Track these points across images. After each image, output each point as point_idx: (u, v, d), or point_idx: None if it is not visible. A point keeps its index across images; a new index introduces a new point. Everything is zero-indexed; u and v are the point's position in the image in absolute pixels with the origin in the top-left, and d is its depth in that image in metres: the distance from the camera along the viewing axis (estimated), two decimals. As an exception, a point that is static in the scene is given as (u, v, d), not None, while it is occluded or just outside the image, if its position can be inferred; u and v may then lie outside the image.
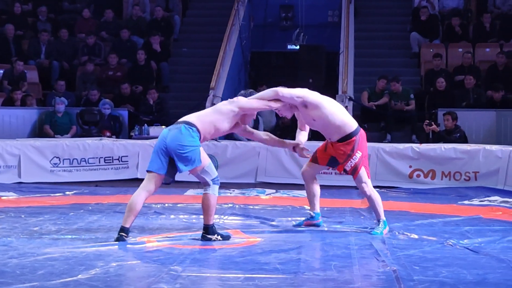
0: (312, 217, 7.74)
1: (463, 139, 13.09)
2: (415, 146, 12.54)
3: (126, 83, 15.84)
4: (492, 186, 11.82)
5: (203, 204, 7.00)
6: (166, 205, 9.43)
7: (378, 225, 7.55)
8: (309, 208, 7.96)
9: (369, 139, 11.29)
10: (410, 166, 12.37)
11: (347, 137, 7.38)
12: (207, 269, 5.75)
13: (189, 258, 6.14)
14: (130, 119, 15.08)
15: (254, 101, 7.28)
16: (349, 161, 7.38)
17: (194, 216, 8.66)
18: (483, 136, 14.01)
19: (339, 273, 5.63)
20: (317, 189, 7.73)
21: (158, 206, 9.26)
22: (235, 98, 7.29)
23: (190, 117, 7.12)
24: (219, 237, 6.99)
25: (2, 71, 16.26)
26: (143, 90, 15.85)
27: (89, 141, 13.12)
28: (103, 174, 12.87)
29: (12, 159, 12.62)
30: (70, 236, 7.15)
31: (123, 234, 6.89)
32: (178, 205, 9.60)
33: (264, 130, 14.30)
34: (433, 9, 17.65)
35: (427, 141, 13.16)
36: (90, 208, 9.28)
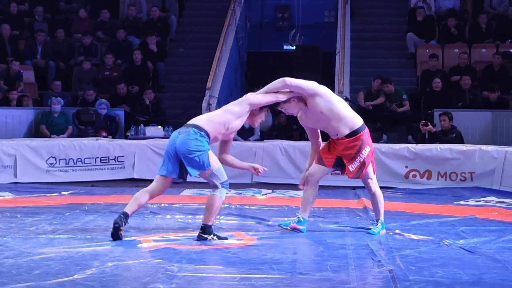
0: (300, 221, 7.53)
1: (459, 140, 13.11)
2: (411, 146, 12.55)
3: (122, 83, 15.84)
4: (488, 186, 11.83)
5: (207, 204, 7.03)
6: (162, 205, 9.43)
7: (376, 225, 7.55)
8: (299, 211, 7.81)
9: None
10: (406, 167, 12.38)
11: (355, 132, 7.33)
12: (203, 269, 5.74)
13: (185, 258, 6.14)
14: (126, 119, 15.08)
15: (261, 96, 7.28)
16: (358, 157, 7.33)
17: (190, 216, 8.67)
18: (479, 136, 14.03)
19: (335, 273, 5.63)
20: (315, 195, 7.58)
21: (154, 206, 9.26)
22: (243, 97, 7.30)
23: (200, 120, 7.16)
24: (215, 238, 6.99)
25: (-2, 71, 16.27)
26: (140, 90, 15.85)
27: (85, 141, 13.12)
28: (99, 174, 12.87)
29: (8, 159, 12.61)
30: (66, 236, 7.14)
31: (122, 216, 6.92)
32: (174, 205, 9.60)
33: (261, 131, 14.41)
34: (429, 10, 17.66)
35: (423, 141, 13.18)
36: (86, 208, 9.27)
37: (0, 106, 14.95)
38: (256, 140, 13.84)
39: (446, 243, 6.96)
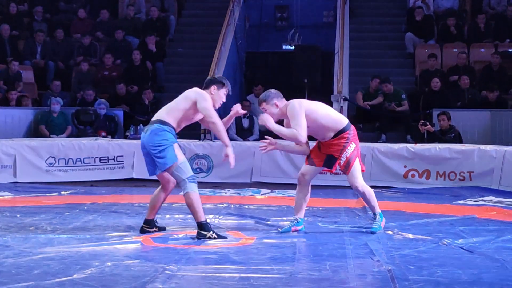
0: (298, 222, 7.62)
1: (458, 139, 13.12)
2: (410, 146, 12.56)
3: (122, 83, 15.84)
4: (487, 186, 11.83)
5: (187, 204, 7.11)
6: (162, 204, 9.42)
7: (375, 219, 7.58)
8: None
9: (364, 139, 11.35)
10: (405, 166, 12.39)
11: (340, 132, 7.44)
12: (203, 269, 5.75)
13: (184, 257, 6.15)
14: (125, 119, 15.08)
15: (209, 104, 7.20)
16: (343, 153, 7.40)
17: (189, 216, 8.61)
18: (477, 136, 14.04)
19: (334, 273, 5.64)
20: (308, 195, 7.65)
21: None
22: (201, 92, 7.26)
23: (161, 114, 7.24)
24: (214, 235, 7.00)
25: (-3, 71, 16.27)
26: (139, 90, 15.85)
27: (84, 141, 13.13)
28: (99, 174, 12.87)
29: (8, 159, 12.62)
30: (65, 236, 7.15)
31: (145, 226, 7.35)
32: (174, 205, 9.60)
33: (259, 130, 14.41)
34: (428, 10, 17.67)
35: (422, 141, 13.18)
36: (85, 208, 9.28)
37: (-1, 106, 14.99)
38: (255, 140, 13.84)
39: (445, 242, 6.97)
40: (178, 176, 7.07)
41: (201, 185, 11.96)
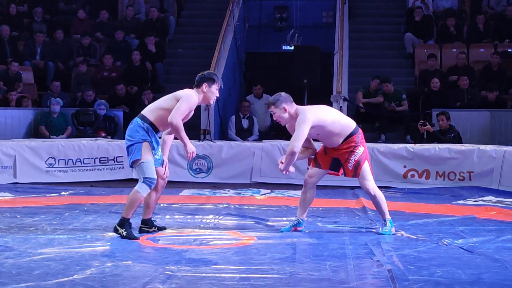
0: (299, 223, 7.62)
1: (458, 139, 13.13)
2: (410, 146, 12.57)
3: (121, 83, 15.85)
4: (487, 186, 11.84)
5: (128, 197, 7.17)
6: (161, 205, 9.43)
7: (385, 225, 7.55)
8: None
9: (363, 140, 11.29)
10: (405, 166, 12.39)
11: (348, 137, 7.40)
12: (203, 269, 5.76)
13: (184, 258, 6.16)
14: (125, 119, 15.06)
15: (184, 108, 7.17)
16: (352, 156, 7.38)
17: (189, 216, 8.69)
18: (477, 136, 14.04)
19: (334, 273, 5.64)
20: (312, 197, 7.64)
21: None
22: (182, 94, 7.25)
23: (146, 110, 7.32)
24: (125, 233, 7.05)
25: (-3, 72, 16.27)
26: (138, 90, 15.86)
27: (84, 141, 13.12)
28: (99, 174, 12.87)
29: (8, 160, 12.61)
30: (65, 236, 7.16)
31: (143, 226, 7.42)
32: (173, 205, 9.62)
33: (259, 130, 14.43)
34: (427, 10, 17.68)
35: (422, 141, 13.19)
36: (85, 208, 9.28)
37: (-1, 107, 14.99)
38: (254, 140, 13.85)
39: (445, 242, 6.98)
40: (137, 173, 7.18)
41: (201, 185, 12.05)
